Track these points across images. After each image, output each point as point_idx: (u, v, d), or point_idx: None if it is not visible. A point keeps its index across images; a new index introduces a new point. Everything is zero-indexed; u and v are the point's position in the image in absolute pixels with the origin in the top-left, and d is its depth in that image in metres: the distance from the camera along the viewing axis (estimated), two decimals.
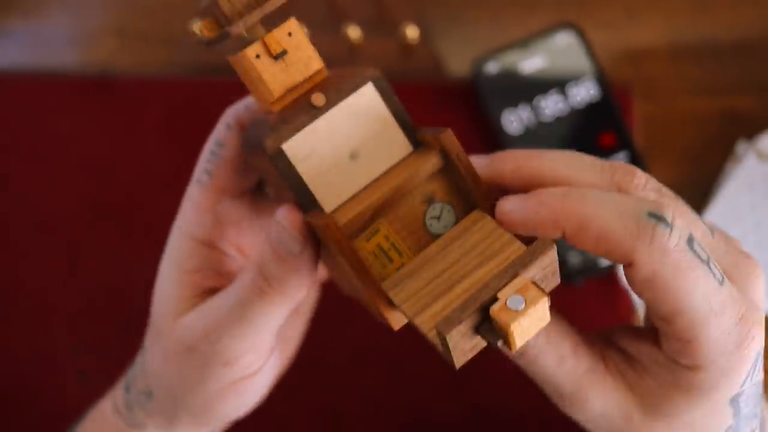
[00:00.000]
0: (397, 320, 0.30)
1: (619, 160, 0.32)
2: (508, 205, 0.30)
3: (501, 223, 0.29)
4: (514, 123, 0.54)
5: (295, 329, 0.42)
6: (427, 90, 0.56)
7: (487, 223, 0.30)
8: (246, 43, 0.30)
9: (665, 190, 0.31)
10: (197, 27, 0.30)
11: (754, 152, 0.54)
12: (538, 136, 0.54)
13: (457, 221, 0.31)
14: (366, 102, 0.30)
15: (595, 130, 0.54)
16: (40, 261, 0.54)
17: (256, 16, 0.29)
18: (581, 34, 0.55)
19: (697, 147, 0.56)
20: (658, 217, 0.27)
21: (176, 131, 0.56)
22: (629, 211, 0.27)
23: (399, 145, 0.31)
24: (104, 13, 0.60)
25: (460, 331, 0.26)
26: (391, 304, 0.29)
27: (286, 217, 0.30)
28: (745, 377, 0.29)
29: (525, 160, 0.31)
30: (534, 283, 0.27)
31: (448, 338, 0.26)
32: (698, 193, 0.55)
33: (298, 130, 0.29)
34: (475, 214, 0.30)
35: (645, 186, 0.30)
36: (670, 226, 0.27)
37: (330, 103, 0.30)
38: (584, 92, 0.54)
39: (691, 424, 0.31)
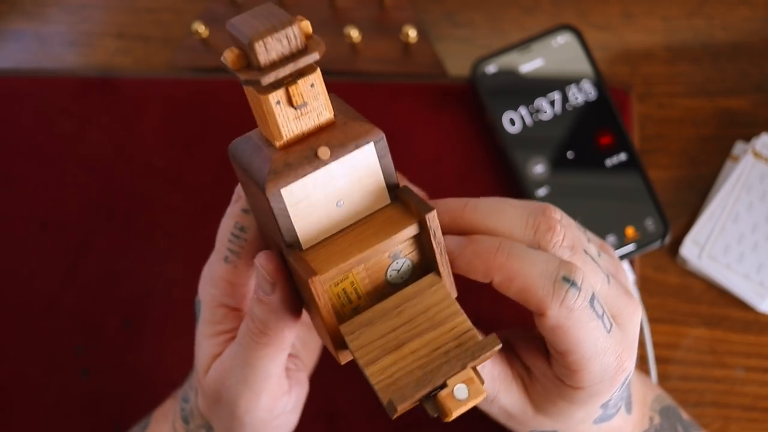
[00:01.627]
0: (344, 357, 0.34)
1: (545, 204, 0.37)
2: (448, 246, 0.35)
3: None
4: (514, 123, 0.54)
5: (315, 339, 0.45)
6: (426, 90, 0.56)
7: (440, 288, 0.34)
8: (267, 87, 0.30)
9: (578, 241, 0.36)
10: (225, 56, 0.30)
11: (751, 153, 0.54)
12: (536, 137, 0.54)
13: (413, 273, 0.34)
14: (363, 158, 0.32)
15: (593, 131, 0.54)
16: (42, 260, 0.54)
17: (289, 70, 0.29)
18: (579, 36, 0.55)
19: (694, 147, 0.56)
20: (570, 282, 0.33)
21: (176, 131, 0.56)
22: (548, 273, 0.33)
23: (380, 197, 0.34)
24: (105, 13, 0.61)
25: (407, 405, 0.30)
26: (344, 344, 0.33)
27: (263, 261, 0.34)
28: (615, 391, 0.37)
29: (458, 212, 0.36)
30: (477, 373, 0.31)
31: (397, 409, 0.30)
32: (695, 193, 0.55)
33: (300, 178, 0.31)
34: (431, 277, 0.34)
35: (561, 244, 0.35)
36: (578, 289, 0.33)
37: (333, 157, 0.31)
38: (583, 93, 0.55)
39: (568, 419, 0.39)
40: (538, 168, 0.54)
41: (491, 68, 0.55)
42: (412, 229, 0.33)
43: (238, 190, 0.38)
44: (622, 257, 0.52)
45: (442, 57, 0.58)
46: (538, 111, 0.54)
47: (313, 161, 0.31)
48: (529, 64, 0.55)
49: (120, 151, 0.56)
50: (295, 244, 0.32)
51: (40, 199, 0.56)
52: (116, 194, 0.55)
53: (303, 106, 0.31)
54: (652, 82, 0.58)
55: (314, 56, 0.30)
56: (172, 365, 0.52)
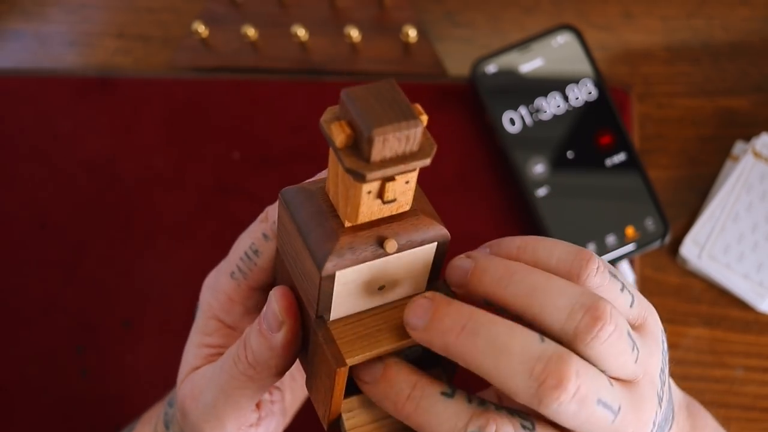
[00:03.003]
0: (332, 429, 0.34)
1: (566, 295, 0.32)
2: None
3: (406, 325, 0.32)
4: (514, 123, 0.54)
5: (299, 393, 0.43)
6: (426, 90, 0.56)
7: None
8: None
9: (593, 388, 0.31)
10: (331, 129, 0.27)
11: (750, 152, 0.54)
12: (536, 137, 0.54)
13: (422, 356, 0.34)
14: (421, 254, 0.31)
15: (593, 130, 0.54)
16: (43, 260, 0.54)
17: (397, 171, 0.27)
18: (579, 36, 0.55)
19: (694, 147, 0.56)
20: None
21: (176, 131, 0.56)
22: (453, 430, 0.30)
23: (419, 287, 0.33)
24: (104, 13, 0.61)
25: None
26: (338, 419, 0.33)
27: (278, 297, 0.33)
28: None
29: (453, 337, 0.32)
30: None
31: None
32: (695, 193, 0.55)
33: (359, 263, 0.30)
34: (435, 372, 0.34)
35: (569, 402, 0.30)
36: None
37: (397, 251, 0.30)
38: (583, 93, 0.55)
39: None
40: (538, 168, 0.54)
41: (491, 68, 0.55)
42: None
43: (270, 211, 0.36)
44: (621, 257, 0.52)
45: (442, 57, 0.58)
46: (538, 111, 0.54)
47: (377, 251, 0.30)
48: (529, 63, 0.55)
49: (120, 151, 0.56)
50: (324, 315, 0.31)
51: (40, 198, 0.55)
52: (116, 194, 0.55)
53: (391, 202, 0.29)
54: (651, 82, 0.58)
55: (426, 162, 0.27)
56: (171, 366, 0.52)
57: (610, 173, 0.54)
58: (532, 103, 0.54)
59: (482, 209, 0.54)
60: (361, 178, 0.27)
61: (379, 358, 0.32)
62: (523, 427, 0.31)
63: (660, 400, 0.34)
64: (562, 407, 0.30)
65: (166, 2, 0.60)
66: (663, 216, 0.53)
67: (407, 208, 0.30)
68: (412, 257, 0.31)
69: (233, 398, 0.35)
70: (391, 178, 0.28)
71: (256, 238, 0.36)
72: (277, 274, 0.36)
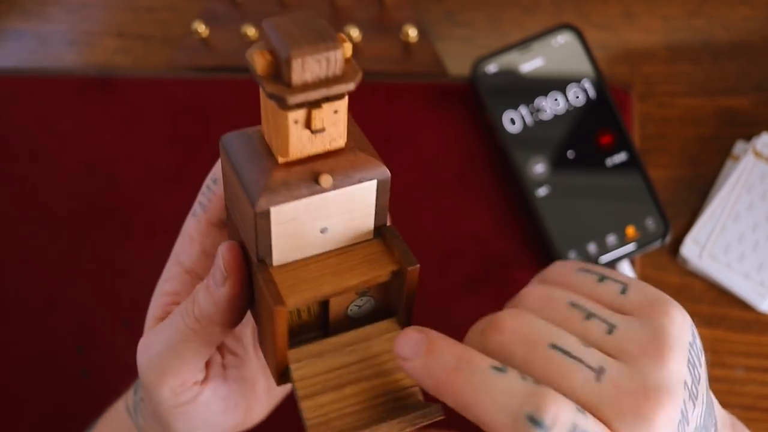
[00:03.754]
0: (282, 381, 0.33)
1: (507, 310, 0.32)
2: (404, 350, 0.30)
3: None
4: (514, 123, 0.54)
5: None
6: (427, 90, 0.56)
7: (394, 337, 0.32)
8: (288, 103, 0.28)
9: (536, 332, 0.30)
10: (253, 57, 0.27)
11: (751, 152, 0.54)
12: (537, 136, 0.54)
13: (372, 311, 0.33)
14: (361, 193, 0.31)
15: (593, 130, 0.54)
16: (43, 259, 0.54)
17: (320, 95, 0.27)
18: (580, 35, 0.55)
19: (695, 147, 0.56)
20: (535, 421, 0.27)
21: (176, 131, 0.56)
22: (510, 409, 0.28)
23: (365, 232, 0.32)
24: (104, 12, 0.61)
25: None
26: (287, 370, 0.32)
27: (224, 251, 0.32)
28: None
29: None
30: None
31: None
32: (695, 192, 0.55)
33: (294, 200, 0.29)
34: (390, 323, 0.33)
35: (508, 343, 0.30)
36: (546, 428, 0.27)
37: (333, 187, 0.30)
38: (583, 92, 0.55)
39: None
40: (539, 168, 0.53)
41: (491, 68, 0.55)
42: (387, 273, 0.32)
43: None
44: (622, 257, 0.52)
45: (442, 56, 0.58)
46: (538, 110, 0.54)
47: (312, 186, 0.29)
48: (530, 63, 0.55)
49: (120, 151, 0.56)
50: (267, 259, 0.31)
51: (40, 198, 0.55)
52: (116, 194, 0.55)
53: (320, 131, 0.29)
54: (652, 82, 0.57)
55: (350, 86, 0.27)
56: None
57: (611, 173, 0.54)
58: (533, 102, 0.54)
59: (482, 209, 0.54)
60: (283, 103, 0.27)
61: (420, 330, 0.31)
62: (579, 411, 0.28)
63: (690, 394, 0.30)
64: (505, 348, 0.30)
65: (166, 2, 0.60)
66: (663, 216, 0.53)
67: (342, 143, 0.30)
68: (351, 196, 0.30)
69: (178, 351, 0.34)
70: (317, 105, 0.28)
71: (216, 168, 0.36)
72: (229, 232, 0.35)
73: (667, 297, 0.31)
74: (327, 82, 0.27)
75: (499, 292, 0.53)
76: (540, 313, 0.31)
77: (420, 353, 0.30)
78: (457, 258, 0.54)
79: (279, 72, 0.27)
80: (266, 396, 0.41)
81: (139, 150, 0.56)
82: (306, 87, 0.27)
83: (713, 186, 0.55)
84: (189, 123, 0.57)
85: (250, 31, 0.56)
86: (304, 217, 0.30)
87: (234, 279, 0.32)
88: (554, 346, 0.29)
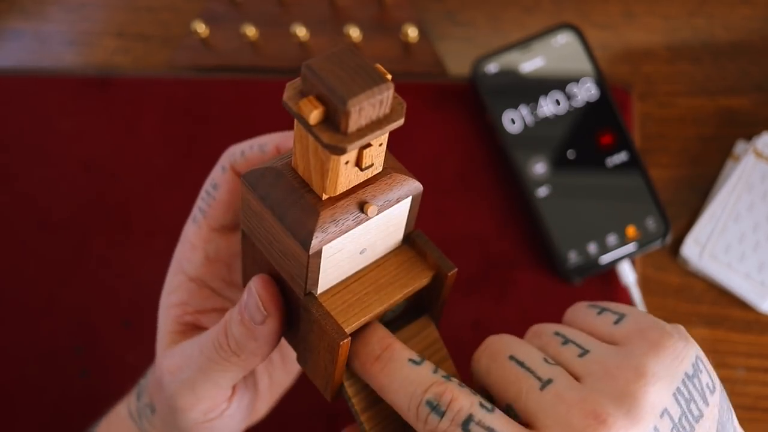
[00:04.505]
0: (333, 397, 0.34)
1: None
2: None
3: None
4: (514, 122, 0.54)
5: (285, 376, 0.43)
6: (427, 90, 0.56)
7: (432, 332, 0.35)
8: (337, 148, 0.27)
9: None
10: (301, 107, 0.26)
11: (752, 152, 0.54)
12: (537, 136, 0.54)
13: (404, 310, 0.35)
14: (398, 211, 0.31)
15: (594, 130, 0.54)
16: (42, 259, 0.54)
17: (374, 138, 0.27)
18: (580, 35, 0.55)
19: (695, 147, 0.56)
20: (432, 406, 0.31)
21: (176, 131, 0.56)
22: (414, 395, 0.31)
23: (396, 241, 0.33)
24: (104, 12, 0.60)
25: None
26: (341, 391, 0.34)
27: (259, 288, 0.33)
28: None
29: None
30: None
31: None
32: (696, 192, 0.55)
33: (343, 234, 0.29)
34: (424, 321, 0.35)
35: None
36: (440, 414, 0.30)
37: (378, 213, 0.30)
38: (583, 92, 0.55)
39: None
40: (539, 167, 0.53)
41: (492, 67, 0.55)
42: (426, 280, 0.33)
43: (223, 161, 0.36)
44: (622, 257, 0.52)
45: (442, 56, 0.58)
46: (538, 110, 0.54)
47: (358, 217, 0.29)
48: (530, 63, 0.55)
49: (119, 151, 0.56)
50: (313, 291, 0.31)
51: (39, 198, 0.55)
52: (115, 194, 0.55)
53: (369, 167, 0.29)
54: (652, 81, 0.57)
55: (400, 122, 0.27)
56: None
57: (611, 173, 0.53)
58: (533, 102, 0.54)
59: (482, 209, 0.54)
60: (341, 152, 0.26)
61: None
62: (482, 406, 0.30)
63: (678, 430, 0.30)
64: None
65: (165, 1, 0.60)
66: (664, 216, 0.53)
67: (380, 169, 0.30)
68: (390, 216, 0.31)
69: (213, 379, 0.35)
70: (368, 145, 0.28)
71: (215, 172, 0.36)
72: (245, 257, 0.35)
73: (666, 328, 0.31)
74: (380, 122, 0.27)
75: (500, 292, 0.53)
76: (528, 341, 0.34)
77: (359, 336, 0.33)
78: (457, 258, 0.53)
79: (331, 119, 0.26)
80: (269, 393, 0.42)
81: (138, 150, 0.56)
82: (361, 132, 0.26)
83: (714, 186, 0.55)
84: (189, 123, 0.57)
85: (250, 30, 0.56)
86: (349, 246, 0.31)
87: (274, 316, 0.33)
88: (512, 358, 0.32)
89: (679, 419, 0.30)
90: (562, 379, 0.30)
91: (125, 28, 0.60)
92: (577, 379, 0.31)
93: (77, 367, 0.53)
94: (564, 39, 0.55)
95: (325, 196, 0.29)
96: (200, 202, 0.37)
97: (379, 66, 0.26)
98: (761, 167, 0.54)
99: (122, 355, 0.53)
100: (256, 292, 0.33)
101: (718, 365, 0.52)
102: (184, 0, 0.60)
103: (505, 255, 0.54)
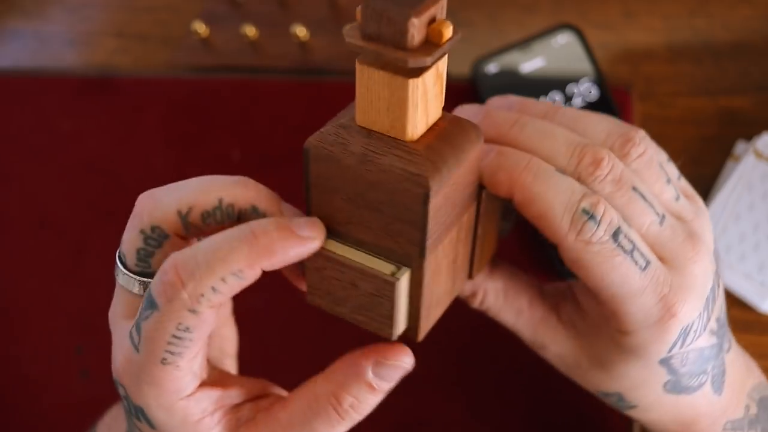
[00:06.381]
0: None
1: (605, 123, 0.36)
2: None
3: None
4: None
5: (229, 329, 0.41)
6: None
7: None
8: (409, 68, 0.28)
9: (627, 178, 0.34)
10: (441, 29, 0.27)
11: (752, 152, 0.54)
12: None
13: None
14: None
15: None
16: (43, 260, 0.54)
17: (442, 52, 0.28)
18: (580, 35, 0.55)
19: (696, 147, 0.56)
20: (589, 215, 0.33)
21: (176, 131, 0.56)
22: (569, 203, 0.33)
23: None
24: (104, 13, 0.61)
25: None
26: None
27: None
28: (672, 345, 0.35)
29: (506, 128, 0.35)
30: None
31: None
32: (697, 192, 0.55)
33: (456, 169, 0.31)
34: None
35: (604, 178, 0.34)
36: (596, 222, 0.33)
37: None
38: (584, 92, 0.55)
39: (628, 377, 0.37)
40: None
41: (491, 67, 0.55)
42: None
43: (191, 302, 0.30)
44: None
45: None
46: None
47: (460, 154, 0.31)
48: (530, 63, 0.55)
49: (119, 151, 0.56)
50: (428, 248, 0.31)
51: (39, 198, 0.55)
52: (115, 194, 0.55)
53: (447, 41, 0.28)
54: (653, 82, 0.57)
55: (458, 36, 0.28)
56: None
57: None
58: None
59: None
60: (405, 66, 0.27)
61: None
62: (623, 220, 0.34)
63: (716, 278, 0.37)
64: (599, 184, 0.34)
65: (165, 1, 0.60)
66: None
67: (440, 114, 0.31)
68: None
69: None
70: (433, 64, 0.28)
71: (181, 317, 0.30)
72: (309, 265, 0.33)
73: (707, 216, 0.38)
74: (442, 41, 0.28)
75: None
76: (635, 162, 0.36)
77: (490, 153, 0.34)
78: None
79: (397, 43, 0.27)
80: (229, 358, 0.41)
81: (138, 150, 0.56)
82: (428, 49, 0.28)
83: (714, 186, 0.55)
84: (189, 123, 0.57)
85: (250, 31, 0.56)
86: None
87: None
88: (635, 189, 0.34)
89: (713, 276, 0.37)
90: (671, 217, 0.36)
91: (125, 28, 0.60)
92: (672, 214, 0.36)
93: (77, 367, 0.53)
94: (564, 39, 0.55)
95: (409, 139, 0.30)
96: (168, 347, 0.31)
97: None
98: (761, 167, 0.54)
99: None
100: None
101: None
102: (184, 0, 0.60)
103: (505, 255, 0.54)
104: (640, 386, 0.37)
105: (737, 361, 0.40)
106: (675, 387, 0.37)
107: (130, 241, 0.33)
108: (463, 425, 0.51)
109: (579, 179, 0.34)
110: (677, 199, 0.37)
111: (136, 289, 0.33)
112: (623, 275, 0.33)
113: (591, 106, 0.54)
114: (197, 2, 0.60)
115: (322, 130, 0.31)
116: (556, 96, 0.54)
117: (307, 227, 0.31)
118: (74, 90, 0.57)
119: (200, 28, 0.56)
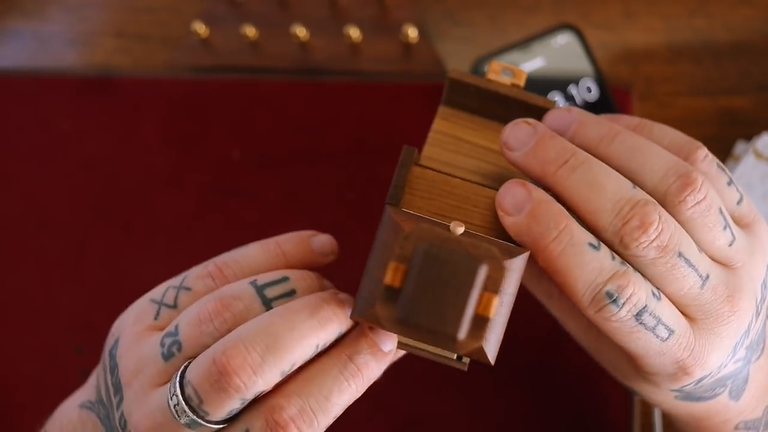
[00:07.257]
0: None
1: (664, 159, 0.34)
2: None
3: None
4: None
5: None
6: (427, 90, 0.56)
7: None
8: None
9: (674, 241, 0.32)
10: (390, 271, 0.29)
11: (752, 152, 0.54)
12: None
13: None
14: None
15: None
16: (42, 260, 0.54)
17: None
18: (580, 35, 0.55)
19: None
20: (612, 298, 0.32)
21: (176, 131, 0.56)
22: (594, 284, 0.32)
23: None
24: (104, 13, 0.60)
25: None
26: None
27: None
28: (688, 384, 0.35)
29: (553, 168, 0.33)
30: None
31: None
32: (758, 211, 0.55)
33: None
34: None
35: (649, 244, 0.32)
36: (619, 306, 0.32)
37: None
38: (583, 92, 0.55)
39: (639, 386, 0.38)
40: None
41: None
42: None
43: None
44: None
45: (442, 56, 0.58)
46: None
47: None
48: (530, 63, 0.55)
49: (119, 151, 0.56)
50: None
51: (39, 198, 0.55)
52: (115, 194, 0.55)
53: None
54: (653, 82, 0.57)
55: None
56: None
57: None
58: None
59: None
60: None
61: (524, 185, 0.33)
62: (653, 294, 0.32)
63: (758, 310, 0.35)
64: (642, 250, 0.32)
65: (165, 2, 0.60)
66: None
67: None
68: None
69: None
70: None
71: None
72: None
73: (762, 218, 0.36)
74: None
75: None
76: (691, 210, 0.33)
77: (522, 212, 0.32)
78: None
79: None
80: None
81: (138, 150, 0.56)
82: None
83: None
84: (188, 123, 0.57)
85: (250, 31, 0.56)
86: None
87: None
88: (681, 255, 0.32)
89: (759, 302, 0.35)
90: (716, 273, 0.33)
91: (125, 28, 0.60)
92: (720, 263, 0.34)
93: (77, 367, 0.53)
94: (564, 39, 0.55)
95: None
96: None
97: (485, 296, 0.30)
98: (761, 167, 0.54)
99: None
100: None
101: None
102: (184, 0, 0.60)
103: None
104: (650, 393, 0.38)
105: (766, 366, 0.38)
106: (687, 398, 0.37)
107: (221, 407, 0.32)
108: (463, 425, 0.51)
109: (621, 241, 0.32)
110: (731, 244, 0.34)
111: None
112: (641, 346, 0.33)
113: (591, 106, 0.54)
114: (197, 2, 0.60)
115: None
116: (556, 96, 0.54)
117: (389, 340, 0.34)
118: (74, 90, 0.57)
119: (200, 28, 0.56)
